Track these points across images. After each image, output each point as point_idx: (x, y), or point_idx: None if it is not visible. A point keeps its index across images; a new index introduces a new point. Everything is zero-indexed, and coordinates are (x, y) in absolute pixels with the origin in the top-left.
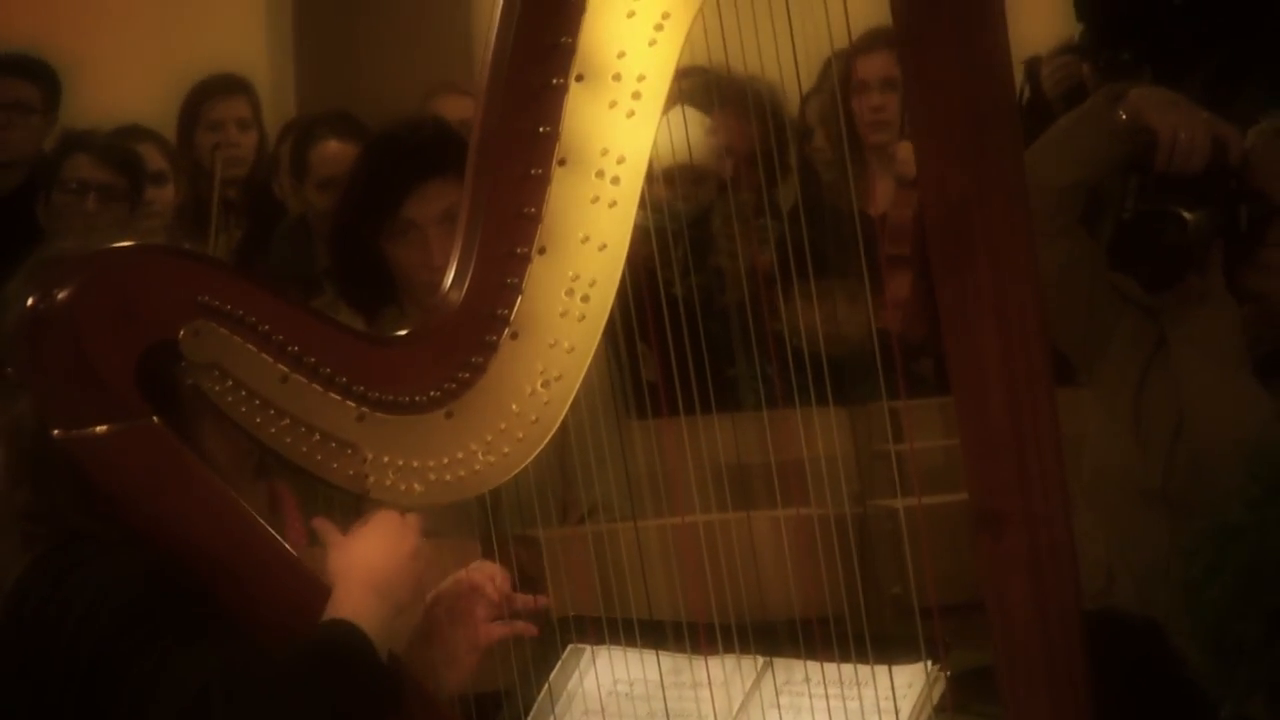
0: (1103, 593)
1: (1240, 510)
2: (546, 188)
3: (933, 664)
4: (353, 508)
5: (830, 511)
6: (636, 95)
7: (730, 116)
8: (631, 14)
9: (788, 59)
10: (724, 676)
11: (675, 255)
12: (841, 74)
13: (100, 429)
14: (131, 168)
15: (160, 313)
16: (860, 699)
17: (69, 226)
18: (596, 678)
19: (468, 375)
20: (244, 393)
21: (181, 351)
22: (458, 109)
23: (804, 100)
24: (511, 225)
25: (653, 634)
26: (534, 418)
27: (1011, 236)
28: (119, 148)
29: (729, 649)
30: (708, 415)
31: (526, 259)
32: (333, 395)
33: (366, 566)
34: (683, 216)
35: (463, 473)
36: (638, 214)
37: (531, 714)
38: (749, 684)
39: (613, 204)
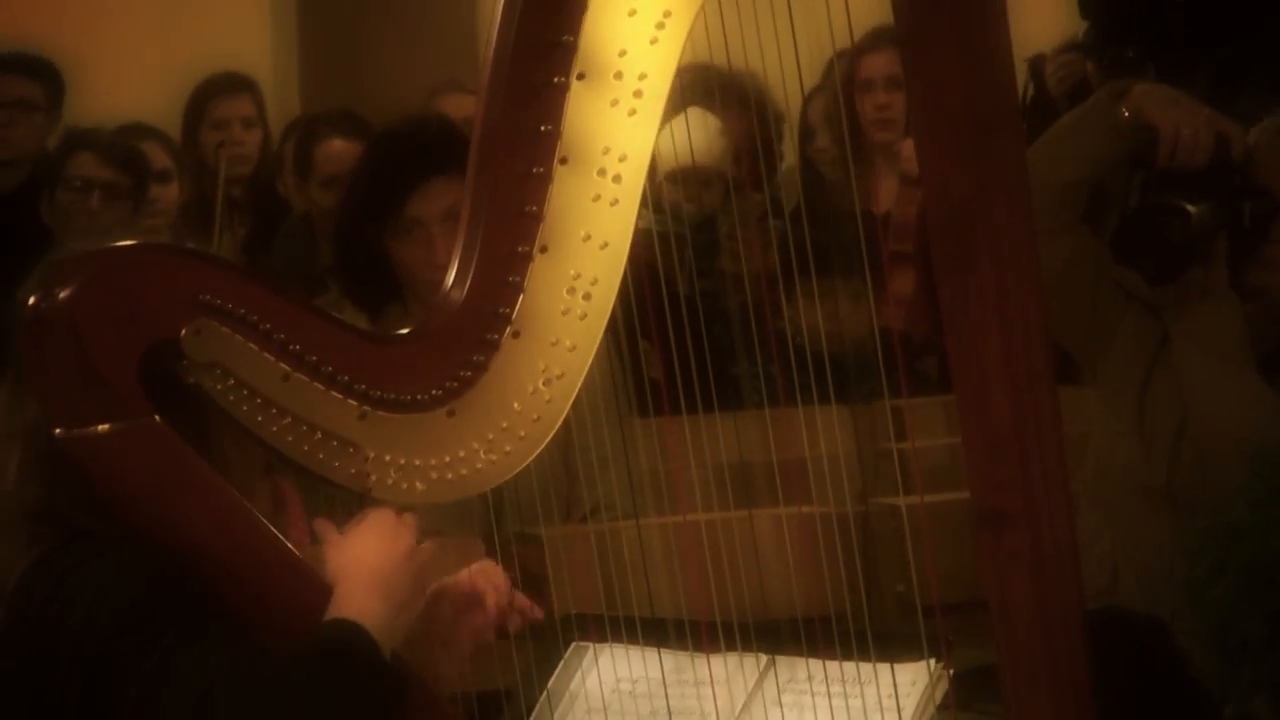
0: (1107, 591)
1: (1244, 509)
2: (548, 186)
3: (936, 662)
4: (356, 506)
5: (833, 510)
6: (638, 94)
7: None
8: (633, 12)
9: (789, 58)
10: (726, 675)
11: (682, 257)
12: (845, 73)
13: (102, 428)
14: (136, 166)
15: (161, 311)
16: (863, 697)
17: (73, 224)
18: (599, 676)
19: (470, 374)
20: (245, 391)
21: (183, 350)
22: (462, 107)
23: (807, 99)
24: (513, 223)
25: (655, 632)
26: (536, 416)
27: (1014, 235)
28: (123, 146)
29: (731, 647)
30: (710, 414)
31: (528, 257)
32: (334, 394)
33: (366, 566)
34: (691, 218)
35: (465, 471)
36: (645, 216)
37: (534, 713)
38: (752, 682)
39: (614, 202)
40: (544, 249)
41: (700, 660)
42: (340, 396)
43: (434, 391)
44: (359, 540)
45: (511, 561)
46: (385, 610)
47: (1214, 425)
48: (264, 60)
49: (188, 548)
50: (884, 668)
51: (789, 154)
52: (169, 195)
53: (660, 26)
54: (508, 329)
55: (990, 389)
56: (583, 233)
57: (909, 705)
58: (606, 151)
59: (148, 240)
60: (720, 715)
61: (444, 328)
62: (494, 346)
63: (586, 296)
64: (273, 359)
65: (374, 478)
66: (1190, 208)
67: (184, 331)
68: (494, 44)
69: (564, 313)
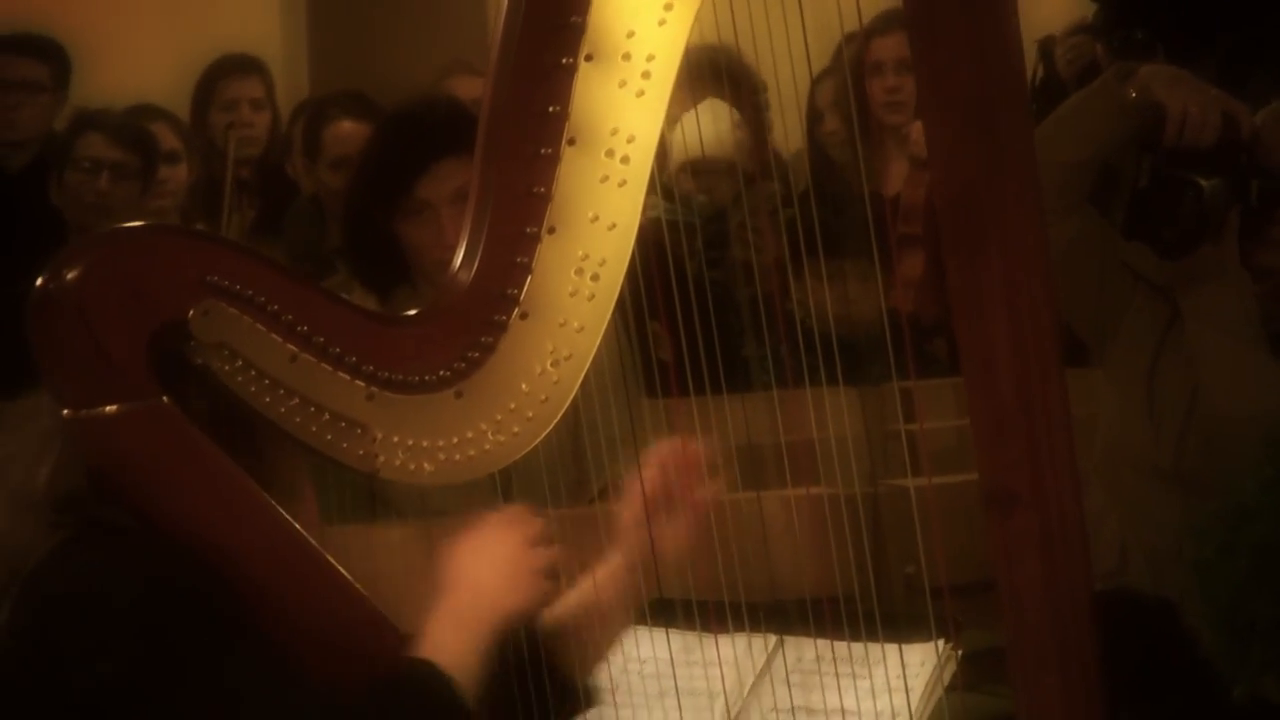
0: (1116, 572)
1: (1254, 490)
2: (556, 167)
3: (944, 643)
4: (363, 487)
5: (841, 491)
6: (646, 75)
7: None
8: None
9: (798, 40)
10: (735, 655)
11: (693, 245)
12: (855, 56)
13: (110, 409)
14: (144, 147)
15: (169, 293)
16: (871, 678)
17: (82, 205)
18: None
19: (477, 355)
20: (253, 372)
21: (191, 331)
22: (472, 89)
23: (815, 82)
24: (521, 205)
25: (664, 612)
26: (544, 397)
27: (1022, 218)
28: (132, 126)
29: (740, 628)
30: (719, 395)
31: (536, 238)
32: (342, 374)
33: (464, 586)
34: (704, 209)
35: (473, 452)
36: (657, 205)
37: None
38: (760, 663)
39: (622, 183)
40: (552, 230)
41: (709, 640)
42: (348, 377)
43: (442, 373)
44: (474, 551)
45: None
46: (477, 642)
47: (1224, 404)
48: (273, 41)
49: (197, 535)
50: (892, 648)
51: (777, 124)
52: (178, 176)
53: (668, 8)
54: (516, 310)
55: (998, 370)
56: (591, 214)
57: (917, 686)
58: (614, 133)
59: (156, 221)
60: (729, 695)
61: (452, 309)
62: (502, 328)
63: (595, 278)
64: (280, 340)
65: (382, 458)
66: (1203, 182)
67: (192, 313)
68: (502, 25)
69: (572, 294)
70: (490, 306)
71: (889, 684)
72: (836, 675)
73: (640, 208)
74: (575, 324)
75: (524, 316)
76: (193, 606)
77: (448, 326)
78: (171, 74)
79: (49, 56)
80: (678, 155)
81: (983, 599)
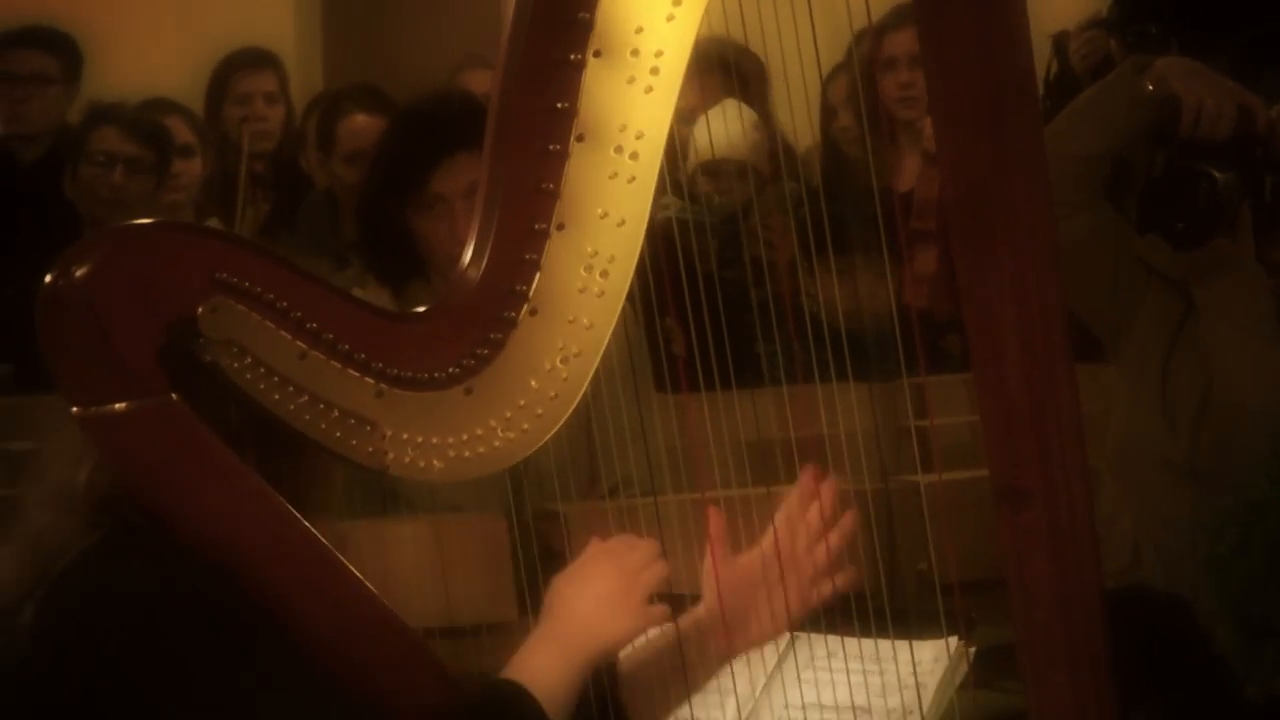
0: (1128, 569)
1: (1267, 487)
2: (565, 164)
3: (956, 640)
4: (373, 485)
5: (853, 487)
6: (655, 71)
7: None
8: None
9: (809, 37)
10: (747, 652)
11: (705, 245)
12: (868, 51)
13: (119, 406)
14: (158, 140)
15: (178, 289)
16: (882, 674)
17: (96, 199)
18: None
19: (487, 351)
20: (262, 369)
21: (200, 328)
22: (485, 83)
23: (828, 78)
24: (530, 201)
25: (674, 609)
26: (553, 394)
27: (1031, 213)
28: (146, 120)
29: None
30: (730, 391)
31: (545, 235)
32: (351, 371)
33: (569, 612)
34: (719, 211)
35: (482, 449)
36: (672, 204)
37: None
38: (773, 660)
39: (631, 180)
40: (561, 226)
41: None
42: (357, 374)
43: (451, 369)
44: (583, 580)
45: (531, 538)
46: (569, 666)
47: (1239, 398)
48: (287, 35)
49: (206, 531)
50: (905, 645)
51: (789, 121)
52: (192, 170)
53: (677, 3)
54: (525, 307)
55: (1007, 366)
56: (600, 210)
57: (930, 683)
58: (623, 129)
59: (169, 216)
60: (741, 692)
61: (461, 305)
62: (511, 324)
63: (604, 274)
64: (289, 336)
65: (391, 455)
66: (1217, 174)
67: (200, 309)
68: (510, 21)
69: (581, 290)
70: (499, 303)
71: (901, 680)
72: (849, 671)
73: (649, 204)
74: (585, 320)
75: (533, 313)
76: (214, 611)
77: (457, 323)
78: (186, 68)
79: (58, 49)
80: (695, 156)
81: (995, 595)
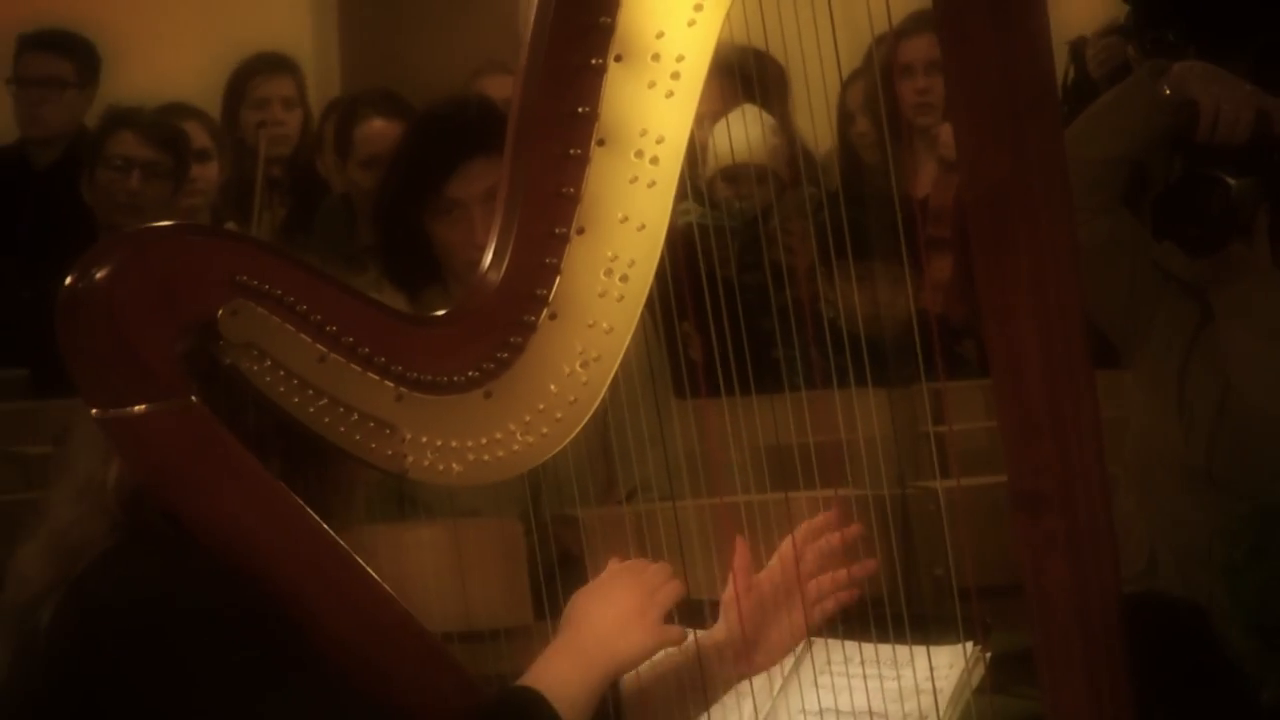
0: (1144, 575)
1: None
2: (585, 168)
3: (973, 645)
4: (391, 489)
5: (870, 493)
6: (675, 75)
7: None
8: None
9: (828, 42)
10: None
11: (726, 250)
12: (885, 57)
13: (138, 409)
14: (176, 145)
15: (198, 292)
16: (899, 679)
17: (113, 203)
18: None
19: (506, 355)
20: (282, 372)
21: (219, 331)
22: (503, 88)
23: (845, 84)
24: (550, 205)
25: (693, 614)
26: (572, 398)
27: (1051, 219)
28: (164, 125)
29: None
30: (748, 396)
31: (565, 239)
32: (371, 375)
33: (589, 626)
34: (739, 215)
35: (501, 453)
36: (691, 210)
37: None
38: (789, 664)
39: (651, 184)
40: (581, 231)
41: None
42: (377, 378)
43: (471, 373)
44: (601, 597)
45: (549, 542)
46: (586, 678)
47: (1256, 403)
48: (305, 40)
49: (225, 534)
50: (921, 650)
51: (808, 126)
52: (209, 175)
53: (698, 9)
54: (545, 311)
55: (1026, 372)
56: (620, 214)
57: (946, 687)
58: (644, 134)
59: (187, 220)
60: (757, 696)
61: (481, 309)
62: (531, 328)
63: (624, 279)
64: (309, 340)
65: (411, 459)
66: (1231, 180)
67: (220, 312)
68: (532, 25)
69: (601, 295)
70: (519, 307)
71: (917, 686)
72: (865, 676)
73: (670, 209)
74: (604, 325)
75: (553, 317)
76: (231, 617)
77: (477, 327)
78: (203, 72)
79: (74, 53)
80: (714, 161)
81: (1012, 601)
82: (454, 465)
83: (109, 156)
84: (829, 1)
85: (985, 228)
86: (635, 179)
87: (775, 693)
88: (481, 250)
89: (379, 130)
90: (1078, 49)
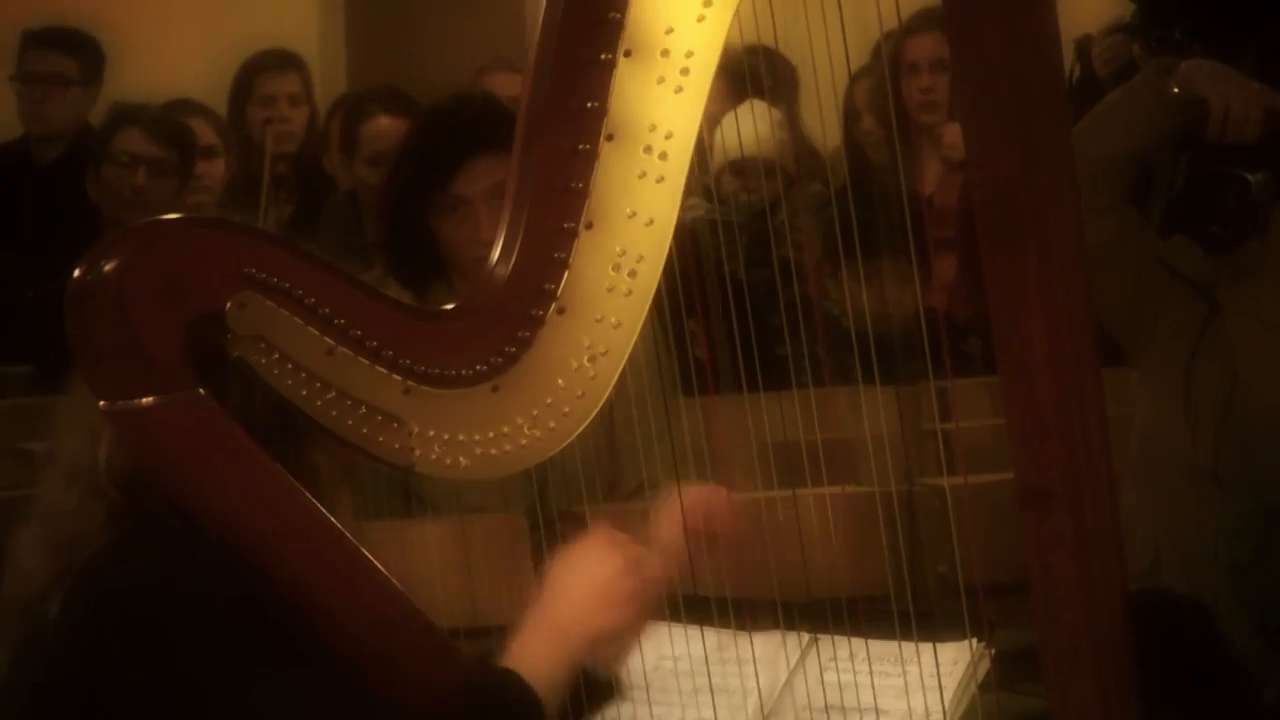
0: (1149, 573)
1: None
2: (594, 163)
3: (978, 642)
4: (398, 482)
5: (877, 490)
6: (685, 71)
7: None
8: None
9: (835, 38)
10: (769, 652)
11: (733, 244)
12: (890, 55)
13: (146, 401)
14: (182, 142)
15: (206, 284)
16: (905, 676)
17: (119, 199)
18: (641, 653)
19: (514, 349)
20: (290, 365)
21: (228, 324)
22: (509, 86)
23: (851, 81)
24: (559, 200)
25: (699, 610)
26: (580, 393)
27: (1059, 217)
28: (170, 121)
29: (774, 625)
30: (755, 393)
31: (574, 234)
32: (379, 368)
33: (560, 601)
34: (746, 209)
35: (509, 447)
36: (699, 205)
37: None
38: (794, 660)
39: (660, 179)
40: (589, 225)
41: (743, 638)
42: (385, 371)
43: (479, 367)
44: (574, 569)
45: (555, 539)
46: (560, 655)
47: (1265, 401)
48: (311, 37)
49: (233, 526)
50: (926, 647)
51: (815, 122)
52: (215, 171)
53: (707, 4)
54: (553, 305)
55: (1034, 370)
56: (628, 209)
57: (951, 684)
58: (653, 129)
59: (194, 214)
60: (763, 692)
61: (489, 304)
62: (539, 323)
63: (632, 274)
64: (317, 333)
65: (418, 453)
66: (1250, 176)
67: (229, 305)
68: (541, 20)
69: (609, 289)
70: (527, 301)
71: (923, 683)
72: (871, 673)
73: (678, 204)
74: (612, 320)
75: (561, 311)
76: (241, 606)
77: (485, 321)
78: (209, 69)
79: (77, 50)
80: (720, 156)
81: (1017, 598)
82: (461, 459)
83: (115, 153)
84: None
85: (994, 227)
86: (644, 174)
87: (779, 688)
88: (487, 247)
89: (385, 127)
90: (1083, 47)
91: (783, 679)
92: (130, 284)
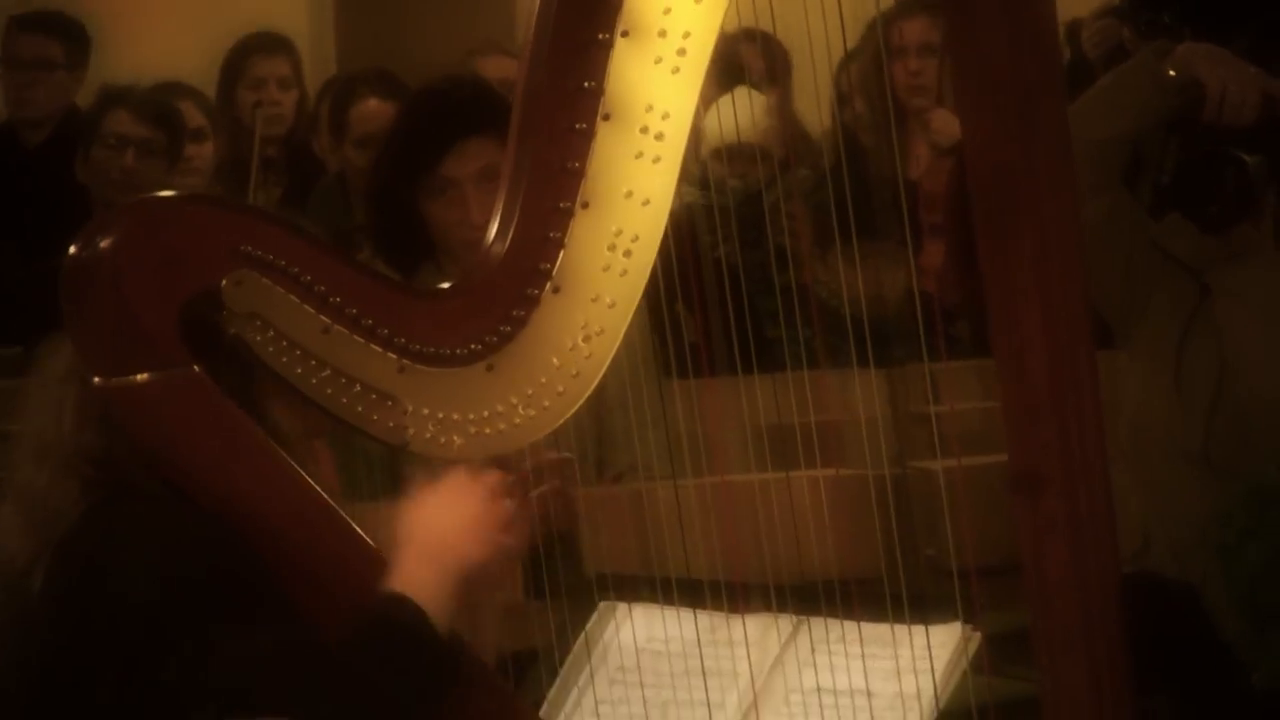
0: (1138, 556)
1: (1276, 475)
2: (590, 143)
3: (967, 625)
4: (387, 465)
5: (869, 472)
6: (682, 52)
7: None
8: None
9: (834, 19)
10: (759, 635)
11: (726, 229)
12: (879, 39)
13: (141, 377)
14: (171, 124)
15: (202, 261)
16: (895, 658)
17: (108, 181)
18: (633, 634)
19: (509, 328)
20: (285, 343)
21: (223, 301)
22: (499, 69)
23: (841, 64)
24: (555, 180)
25: (689, 592)
26: (574, 372)
27: (1055, 201)
28: (159, 103)
29: (765, 608)
30: (747, 376)
31: (570, 213)
32: (374, 347)
33: (428, 532)
34: (736, 195)
35: (503, 426)
36: (690, 191)
37: (564, 670)
38: (784, 642)
39: (656, 160)
40: (585, 205)
41: (733, 620)
42: (380, 350)
43: (473, 346)
44: (428, 504)
45: (545, 519)
46: (442, 581)
47: (1255, 384)
48: (300, 20)
49: (227, 501)
50: (917, 629)
51: (807, 106)
52: (204, 154)
53: None
54: (548, 284)
55: (1029, 353)
56: (625, 189)
57: (940, 667)
58: (649, 109)
59: (190, 190)
60: (753, 675)
61: (484, 282)
62: (534, 302)
63: (627, 253)
64: (313, 311)
65: (412, 431)
66: (1247, 157)
67: (224, 282)
68: (538, 1)
69: (605, 269)
70: (523, 280)
71: (913, 664)
72: (861, 655)
73: (674, 184)
74: (607, 299)
75: (556, 291)
76: (221, 574)
77: (480, 300)
78: (199, 52)
79: (63, 34)
80: (710, 141)
81: (1008, 581)
82: (455, 438)
83: (104, 134)
84: None
85: (990, 210)
86: (640, 154)
87: (768, 670)
88: (476, 229)
89: (374, 110)
90: (1073, 31)
91: (770, 662)
92: (126, 260)
